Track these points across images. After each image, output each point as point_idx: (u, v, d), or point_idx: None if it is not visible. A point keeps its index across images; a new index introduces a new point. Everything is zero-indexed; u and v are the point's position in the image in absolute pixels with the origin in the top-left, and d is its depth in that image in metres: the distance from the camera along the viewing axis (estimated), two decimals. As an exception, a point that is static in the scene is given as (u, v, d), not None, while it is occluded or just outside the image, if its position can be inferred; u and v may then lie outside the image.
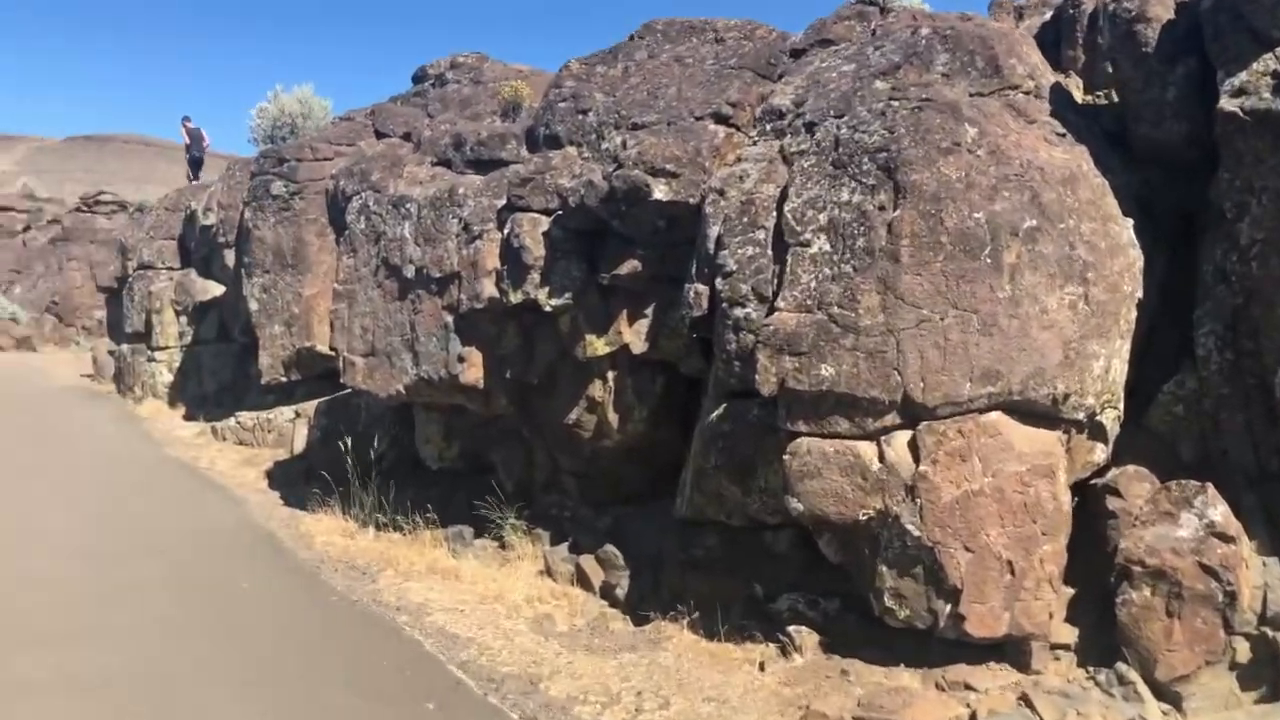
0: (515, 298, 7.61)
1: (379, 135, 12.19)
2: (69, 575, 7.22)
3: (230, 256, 14.05)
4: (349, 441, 9.90)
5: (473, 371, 8.05)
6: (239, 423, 12.93)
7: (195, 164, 25.91)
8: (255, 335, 13.11)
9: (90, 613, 6.46)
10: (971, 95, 6.38)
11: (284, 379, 12.64)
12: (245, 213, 13.06)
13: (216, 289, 15.66)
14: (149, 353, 16.22)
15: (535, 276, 7.52)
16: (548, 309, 7.50)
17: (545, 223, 7.55)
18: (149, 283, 16.32)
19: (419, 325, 8.35)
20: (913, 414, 5.60)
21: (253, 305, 12.84)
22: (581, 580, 7.57)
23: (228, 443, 12.94)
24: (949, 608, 5.61)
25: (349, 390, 9.73)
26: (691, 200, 6.90)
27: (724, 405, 6.56)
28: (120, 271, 17.39)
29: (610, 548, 7.56)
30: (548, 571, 7.75)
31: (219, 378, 15.33)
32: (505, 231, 7.73)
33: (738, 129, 7.46)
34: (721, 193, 6.69)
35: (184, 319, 15.94)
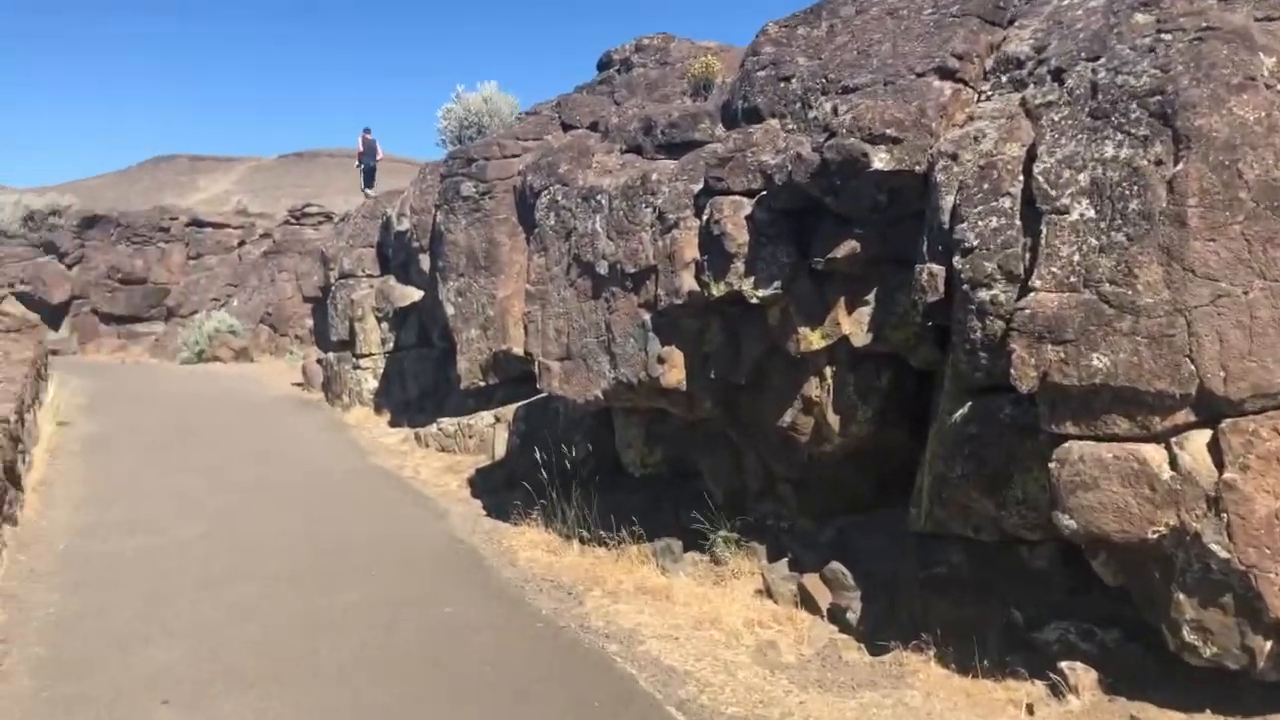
0: (718, 290, 6.91)
1: (565, 127, 11.76)
2: (277, 604, 7.02)
3: (425, 261, 13.98)
4: (548, 447, 9.52)
5: (674, 373, 7.41)
6: (440, 429, 12.80)
7: (369, 174, 27.57)
8: (453, 340, 12.95)
9: (296, 648, 6.19)
10: (1258, 20, 5.26)
11: (482, 383, 12.42)
12: (437, 216, 12.91)
13: (415, 294, 15.70)
14: (353, 360, 16.46)
15: (739, 265, 6.79)
16: (754, 300, 6.77)
17: (748, 205, 6.81)
18: (350, 291, 16.55)
19: (615, 325, 7.78)
20: (1212, 410, 4.60)
21: (448, 310, 12.67)
22: (806, 602, 6.82)
23: (430, 449, 12.84)
24: (1269, 645, 4.58)
25: (546, 394, 9.29)
26: (917, 168, 6.03)
27: (968, 404, 5.67)
28: (323, 281, 17.78)
29: (836, 565, 6.78)
30: (767, 591, 7.05)
31: (420, 382, 15.35)
32: (704, 218, 7.04)
33: (966, 84, 6.52)
34: (954, 157, 5.81)
35: (385, 325, 16.07)
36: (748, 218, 6.77)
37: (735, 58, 9.91)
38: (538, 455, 9.47)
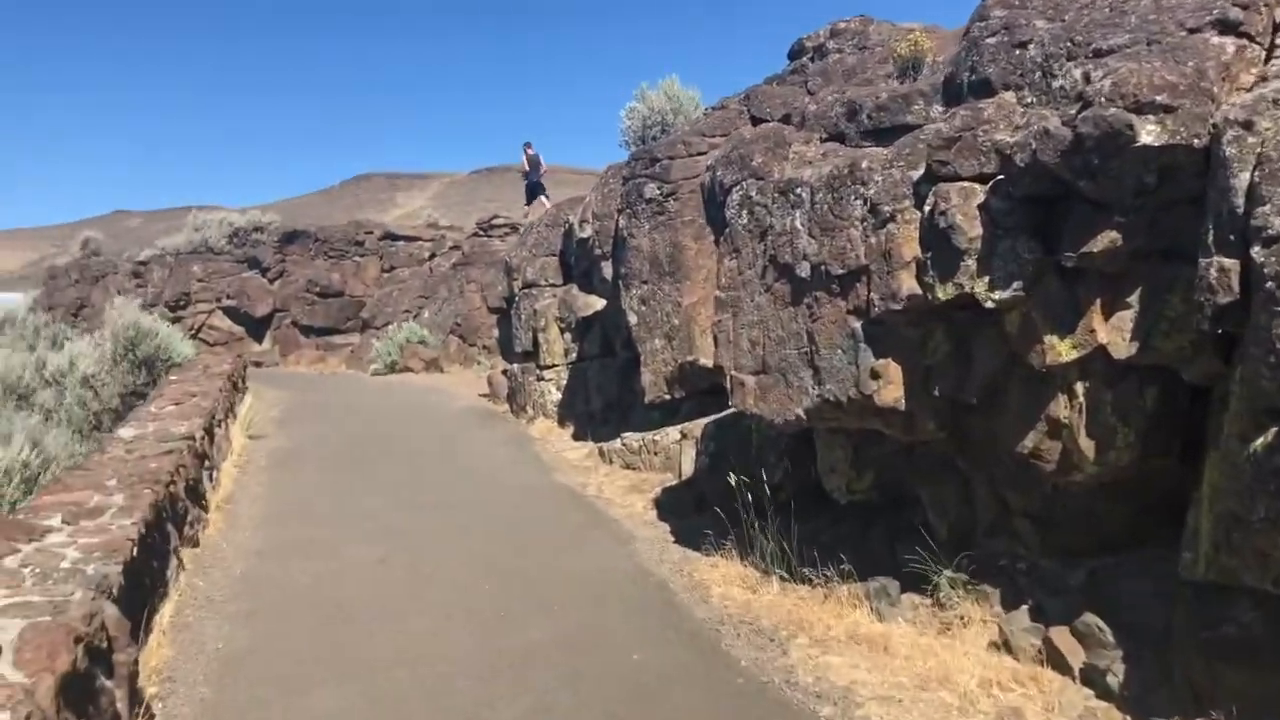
0: (944, 293, 5.92)
1: (755, 121, 10.94)
2: (453, 642, 6.48)
3: (608, 269, 13.42)
4: (740, 468, 8.71)
5: (890, 390, 6.44)
6: (625, 445, 12.16)
7: (532, 190, 28.57)
8: (636, 350, 12.32)
9: (471, 697, 5.60)
10: None
11: (667, 397, 11.72)
12: (619, 220, 12.31)
13: (598, 303, 15.19)
14: (537, 371, 16.09)
15: (970, 263, 5.79)
16: (989, 304, 5.75)
17: (980, 193, 5.80)
18: (534, 301, 16.20)
19: (818, 335, 6.88)
20: None
21: (631, 319, 12.03)
22: (1053, 660, 5.75)
23: (614, 466, 12.22)
24: None
25: (737, 410, 8.46)
26: (1196, 142, 4.93)
27: (1272, 430, 4.52)
28: (507, 291, 17.52)
29: (1091, 617, 5.69)
30: (1004, 645, 6.00)
31: (604, 394, 14.80)
32: (926, 209, 6.06)
33: (1251, 39, 5.36)
34: (1248, 125, 4.69)
35: (568, 336, 15.63)
36: (980, 207, 5.76)
37: (944, 39, 8.88)
38: (729, 476, 8.68)
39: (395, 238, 35.22)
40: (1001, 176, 5.68)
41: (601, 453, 12.83)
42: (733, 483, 8.24)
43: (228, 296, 34.34)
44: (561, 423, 15.42)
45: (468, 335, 28.26)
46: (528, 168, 28.80)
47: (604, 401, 14.85)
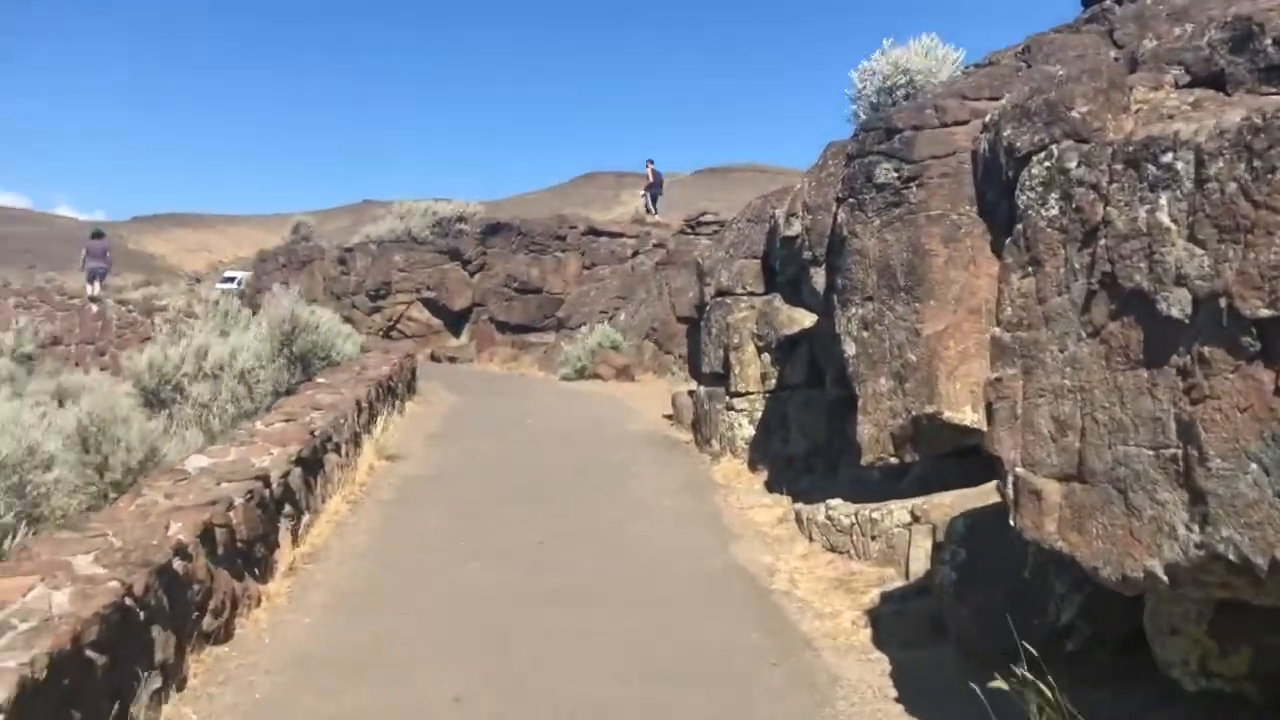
0: None
1: (1043, 75, 7.63)
2: None
3: (820, 277, 10.29)
4: (1005, 592, 5.57)
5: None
6: (830, 517, 9.02)
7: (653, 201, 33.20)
8: (852, 387, 9.18)
9: None
10: None
11: (893, 460, 8.53)
12: (838, 215, 9.18)
13: (805, 319, 12.11)
14: (727, 398, 13.13)
15: None
16: None
17: None
18: (727, 312, 13.25)
19: (1206, 429, 3.59)
20: None
21: (848, 347, 8.90)
22: None
23: (815, 544, 9.11)
24: None
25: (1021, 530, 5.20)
26: None
27: None
28: (698, 298, 14.62)
29: None
30: None
31: (808, 435, 11.70)
32: None
33: None
34: None
35: (766, 357, 12.59)
36: None
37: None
38: (993, 596, 5.55)
39: (598, 233, 33.07)
40: None
41: (799, 519, 9.74)
42: (1000, 609, 5.06)
43: (427, 288, 33.14)
44: (752, 466, 12.40)
45: (664, 341, 25.61)
46: (651, 180, 34.73)
47: (807, 445, 11.74)
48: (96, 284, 31.51)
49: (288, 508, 8.45)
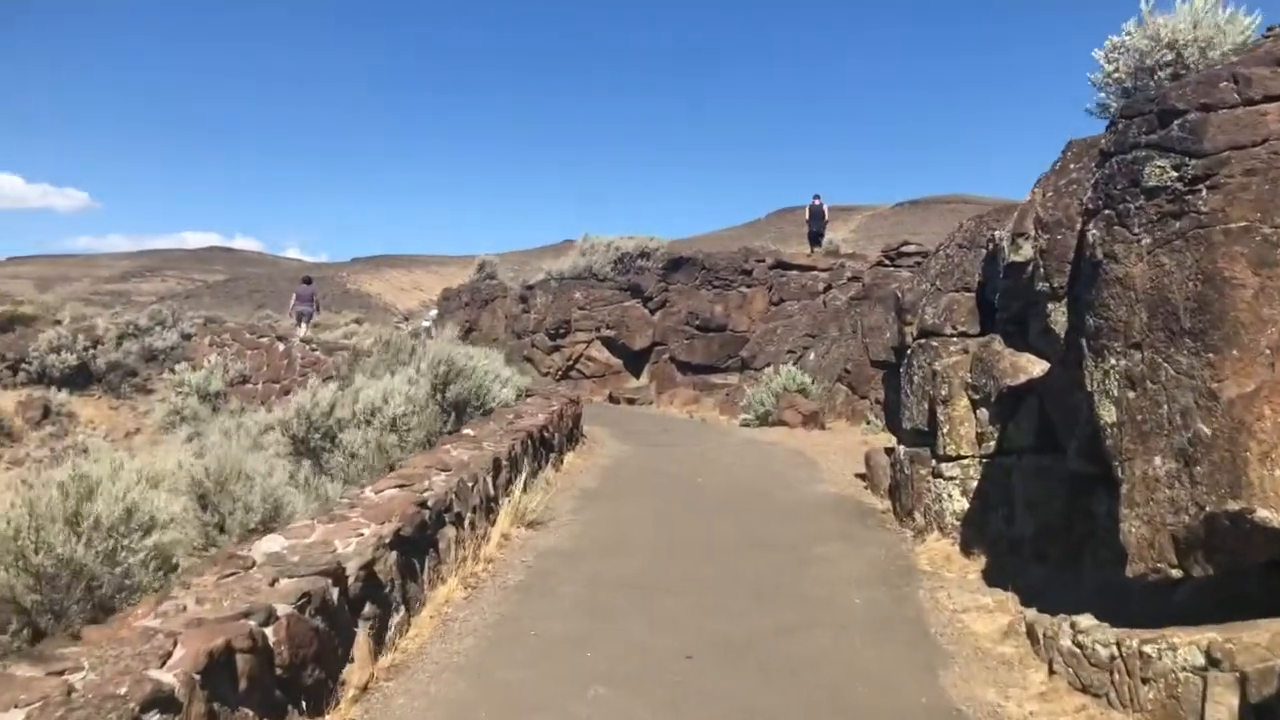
0: None
1: None
2: None
3: (1059, 314, 7.86)
4: None
5: None
6: (1080, 644, 6.61)
7: (815, 238, 32.92)
8: (1104, 456, 6.79)
9: None
10: None
11: (1175, 573, 6.06)
12: (1088, 232, 6.81)
13: (1033, 366, 9.70)
14: (933, 462, 10.77)
15: None
16: None
17: None
18: (933, 357, 10.91)
19: None
20: None
21: (1105, 411, 6.52)
22: None
23: (1058, 677, 6.71)
24: None
25: None
26: None
27: None
28: (896, 339, 12.29)
29: None
30: None
31: (1039, 515, 9.25)
32: None
33: None
34: None
35: (983, 413, 10.19)
36: None
37: None
38: None
39: (787, 266, 30.90)
40: None
41: (1033, 634, 7.36)
42: None
43: (607, 326, 31.82)
44: (965, 548, 9.99)
45: (858, 385, 23.17)
46: (809, 216, 33.59)
47: (1037, 526, 9.27)
48: (304, 325, 31.90)
49: (369, 607, 6.76)
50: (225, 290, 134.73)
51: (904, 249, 27.92)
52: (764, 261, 31.11)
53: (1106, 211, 6.59)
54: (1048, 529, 9.24)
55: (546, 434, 14.32)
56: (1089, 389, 6.79)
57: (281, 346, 31.30)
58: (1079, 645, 6.60)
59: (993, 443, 10.19)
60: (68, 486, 8.32)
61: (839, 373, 23.69)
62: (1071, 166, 7.87)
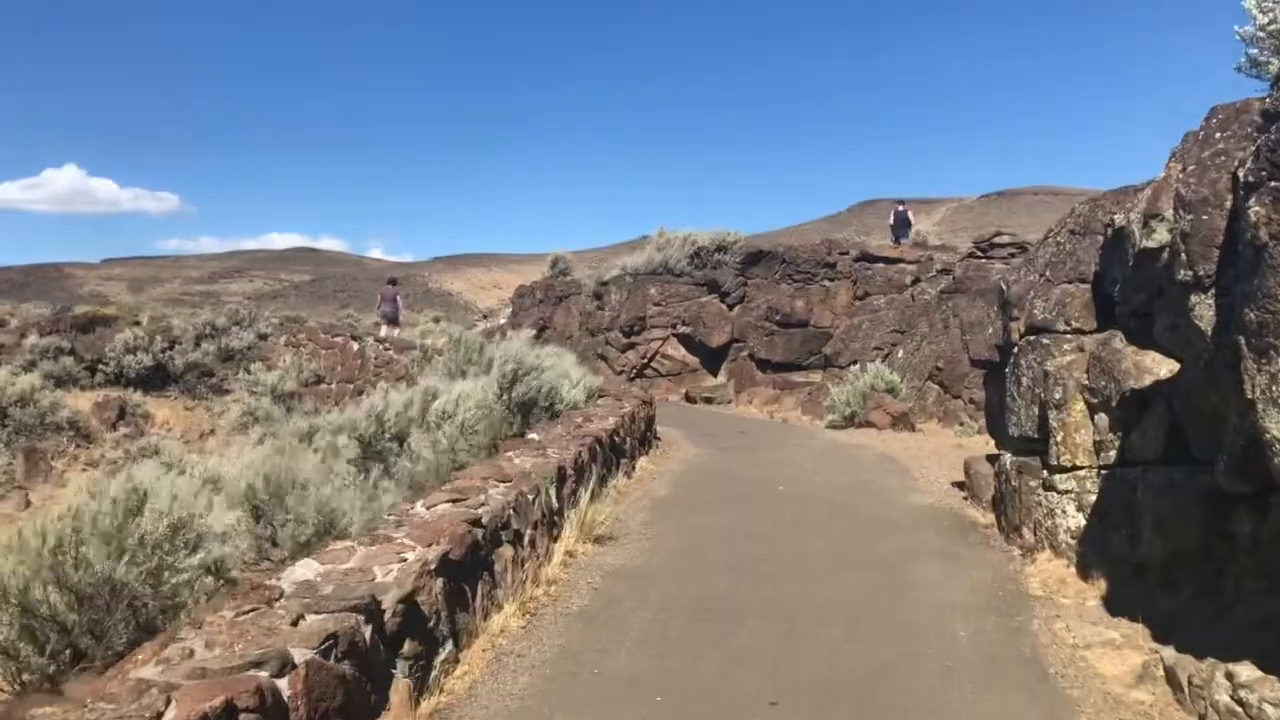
0: None
1: None
2: None
3: (1202, 307, 6.72)
4: None
5: None
6: (1243, 702, 5.54)
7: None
8: (1257, 473, 5.71)
9: None
10: None
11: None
12: (1248, 209, 5.72)
13: (1159, 366, 8.59)
14: (1044, 474, 9.68)
15: None
16: None
17: None
18: (1044, 356, 9.81)
19: None
20: None
21: (1272, 423, 5.45)
22: None
23: (1212, 739, 5.66)
24: None
25: None
26: None
27: None
28: (1000, 336, 11.17)
29: None
30: None
31: (1171, 536, 8.15)
32: None
33: None
34: None
35: (1102, 419, 9.08)
36: None
37: None
38: None
39: (873, 259, 29.66)
40: None
41: (1174, 680, 6.31)
42: None
43: (683, 323, 30.90)
44: (1083, 571, 8.90)
45: (951, 384, 21.93)
46: (894, 222, 33.16)
47: (1168, 549, 8.16)
48: (387, 326, 31.75)
49: (410, 645, 5.98)
50: (311, 290, 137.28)
51: (997, 240, 26.49)
52: (848, 254, 29.90)
53: (1273, 184, 5.50)
54: (1180, 554, 8.12)
55: (617, 438, 13.50)
56: (1249, 395, 5.70)
57: (356, 346, 31.04)
58: (1240, 703, 5.53)
59: (1113, 452, 9.07)
60: (118, 499, 7.76)
61: (930, 371, 22.46)
62: (1217, 135, 6.75)
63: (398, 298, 32.93)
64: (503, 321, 36.89)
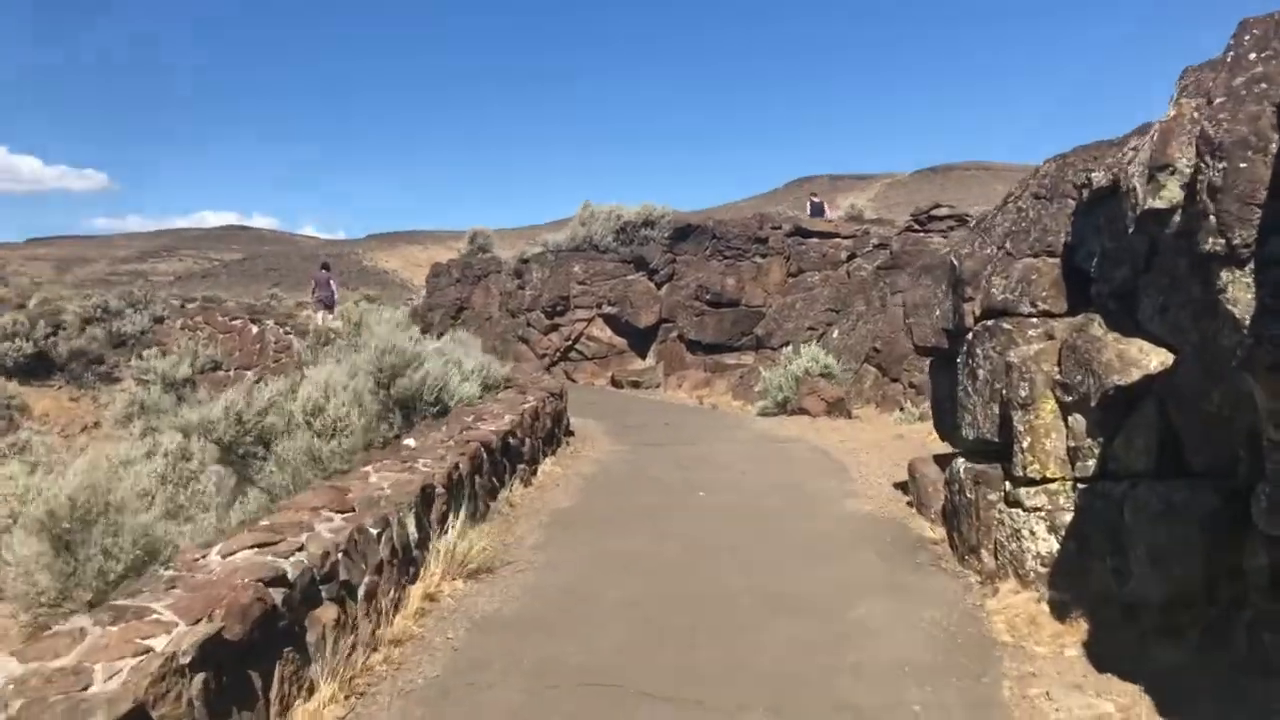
0: None
1: None
2: None
3: (1238, 284, 5.02)
4: None
5: None
6: None
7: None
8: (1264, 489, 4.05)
9: None
10: None
11: None
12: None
13: (1148, 358, 7.00)
14: (1006, 486, 8.05)
15: None
16: None
17: None
18: (1006, 344, 8.17)
19: None
20: None
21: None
22: None
23: None
24: None
25: None
26: None
27: None
28: (952, 319, 9.51)
29: None
30: None
31: (1168, 569, 6.58)
32: None
33: None
34: None
35: (1078, 421, 7.45)
36: None
37: None
38: None
39: (807, 234, 28.05)
40: None
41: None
42: None
43: (609, 302, 29.10)
44: (1059, 609, 7.27)
45: (889, 366, 20.41)
46: (809, 211, 31.25)
47: (1165, 585, 6.57)
48: (324, 312, 29.35)
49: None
50: (241, 269, 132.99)
51: (935, 212, 25.00)
52: (780, 228, 28.25)
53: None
54: (1182, 594, 6.54)
55: (513, 440, 11.64)
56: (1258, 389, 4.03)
57: (255, 330, 28.77)
58: None
59: (1092, 462, 7.45)
60: None
61: (866, 352, 20.92)
62: (1252, 57, 5.05)
63: (331, 281, 30.64)
64: (417, 303, 34.71)
